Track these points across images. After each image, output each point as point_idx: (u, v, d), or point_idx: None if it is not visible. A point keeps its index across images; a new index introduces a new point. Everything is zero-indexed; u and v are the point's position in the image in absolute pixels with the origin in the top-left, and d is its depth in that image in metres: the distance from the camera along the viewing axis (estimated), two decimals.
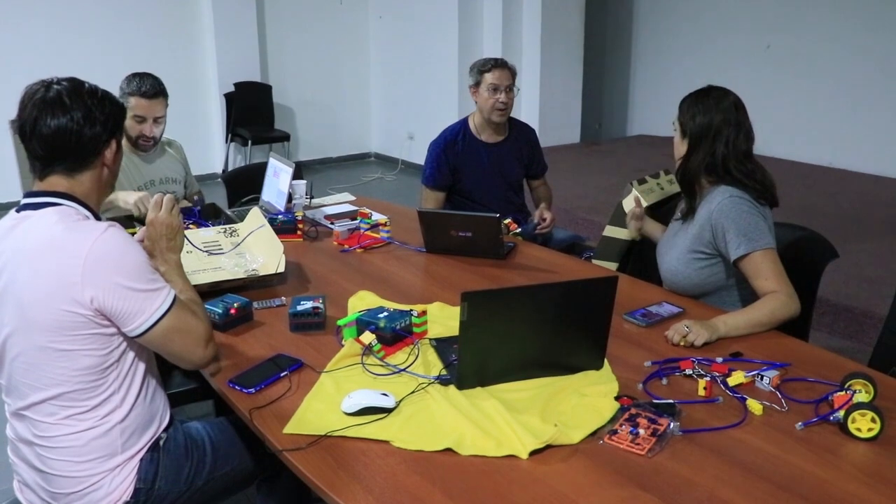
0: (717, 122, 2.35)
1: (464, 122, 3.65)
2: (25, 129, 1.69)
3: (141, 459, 1.77)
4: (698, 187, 2.42)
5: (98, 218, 1.76)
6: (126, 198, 2.94)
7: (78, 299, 1.61)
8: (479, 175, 3.58)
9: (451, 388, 1.80)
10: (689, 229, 2.43)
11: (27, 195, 1.73)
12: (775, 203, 2.39)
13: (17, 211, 1.73)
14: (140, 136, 3.15)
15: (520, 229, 3.16)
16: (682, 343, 2.05)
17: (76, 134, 1.69)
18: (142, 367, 1.79)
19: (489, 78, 3.47)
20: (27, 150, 1.72)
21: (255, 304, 2.29)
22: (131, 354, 1.75)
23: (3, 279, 1.67)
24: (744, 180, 2.34)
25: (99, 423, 1.70)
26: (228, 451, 1.93)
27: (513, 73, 3.53)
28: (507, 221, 3.05)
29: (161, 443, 1.83)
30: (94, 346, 1.66)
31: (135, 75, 3.12)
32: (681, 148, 2.43)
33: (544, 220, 3.46)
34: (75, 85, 1.72)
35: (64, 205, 1.70)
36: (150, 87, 3.10)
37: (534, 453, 1.56)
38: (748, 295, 2.32)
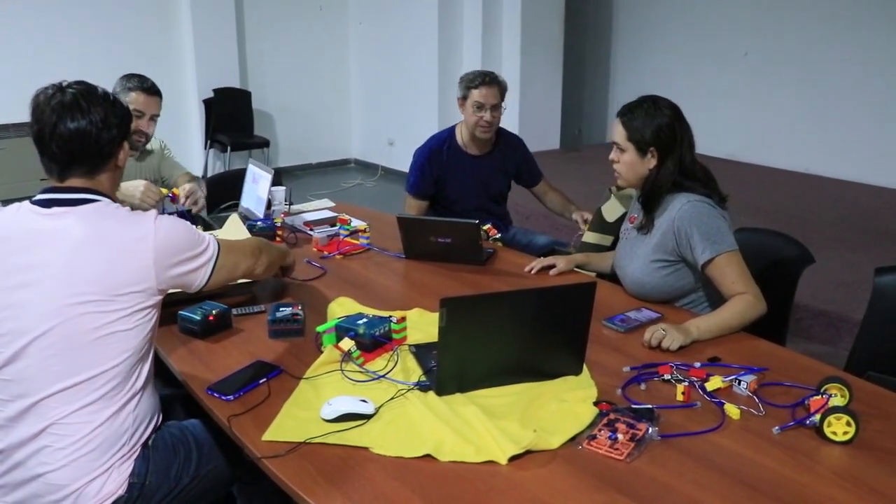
0: (677, 129, 2.36)
1: (451, 132, 3.60)
2: (44, 132, 1.71)
3: (136, 457, 1.77)
4: (660, 198, 2.41)
5: None
6: (131, 190, 2.92)
7: (149, 280, 1.72)
8: (462, 186, 3.55)
9: (431, 394, 1.80)
10: (649, 239, 2.43)
11: (50, 190, 1.75)
12: (725, 202, 2.40)
13: (44, 206, 1.72)
14: (135, 132, 3.16)
15: (499, 235, 3.17)
16: (657, 346, 2.06)
17: (95, 137, 1.73)
18: (152, 355, 1.85)
19: (475, 95, 3.40)
20: (43, 153, 1.75)
21: (233, 311, 2.28)
22: (151, 343, 1.83)
23: (49, 275, 1.66)
24: (702, 185, 2.37)
25: (121, 408, 1.73)
26: (211, 449, 1.93)
27: (501, 90, 3.44)
28: (486, 227, 3.06)
29: (150, 442, 1.83)
30: (141, 325, 1.74)
31: (133, 74, 3.19)
32: (641, 165, 2.38)
33: (586, 220, 3.38)
34: (89, 88, 1.77)
35: (102, 201, 1.76)
36: (152, 84, 3.18)
37: (513, 459, 1.56)
38: (716, 297, 2.34)
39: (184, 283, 1.84)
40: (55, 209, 1.72)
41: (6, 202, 3.46)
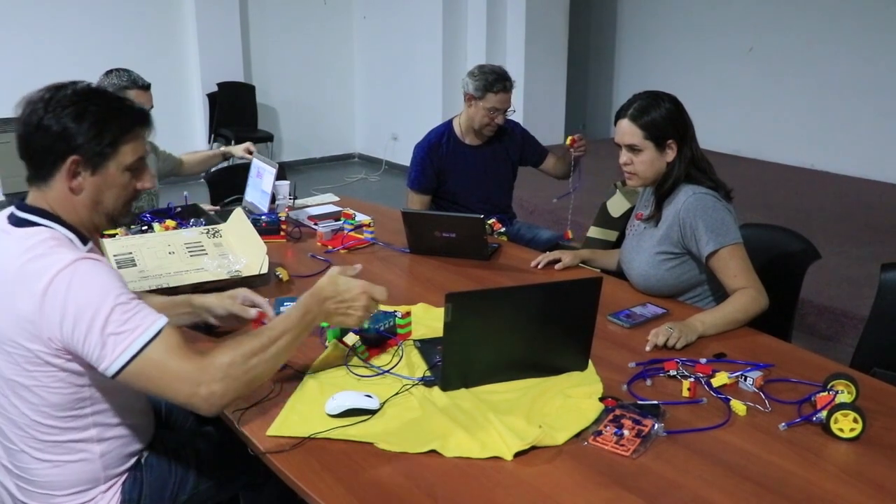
0: (688, 120, 2.36)
1: (448, 125, 3.60)
2: None
3: (124, 482, 1.73)
4: (675, 189, 2.41)
5: (85, 240, 1.64)
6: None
7: (38, 336, 1.48)
8: (464, 178, 3.55)
9: (436, 389, 1.80)
10: (655, 232, 2.43)
11: (19, 206, 1.63)
12: (729, 195, 2.39)
13: (9, 219, 1.61)
14: None
15: (504, 229, 3.16)
16: (662, 345, 2.05)
17: (25, 140, 1.56)
18: (125, 395, 1.69)
19: (493, 100, 3.36)
20: None
21: None
22: (111, 386, 1.60)
23: None
24: (709, 178, 2.36)
25: (77, 455, 1.64)
26: (212, 463, 1.88)
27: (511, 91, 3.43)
28: (491, 221, 3.05)
29: (143, 460, 1.78)
30: (58, 384, 1.54)
31: (120, 71, 3.20)
32: (660, 161, 2.36)
33: (575, 140, 3.36)
34: (55, 92, 1.56)
35: (44, 226, 1.57)
36: (143, 79, 3.22)
37: (518, 455, 1.56)
38: (721, 291, 2.34)
39: (86, 353, 1.48)
40: (7, 226, 1.60)
41: (11, 196, 3.47)
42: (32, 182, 1.61)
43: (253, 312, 2.01)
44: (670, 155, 2.35)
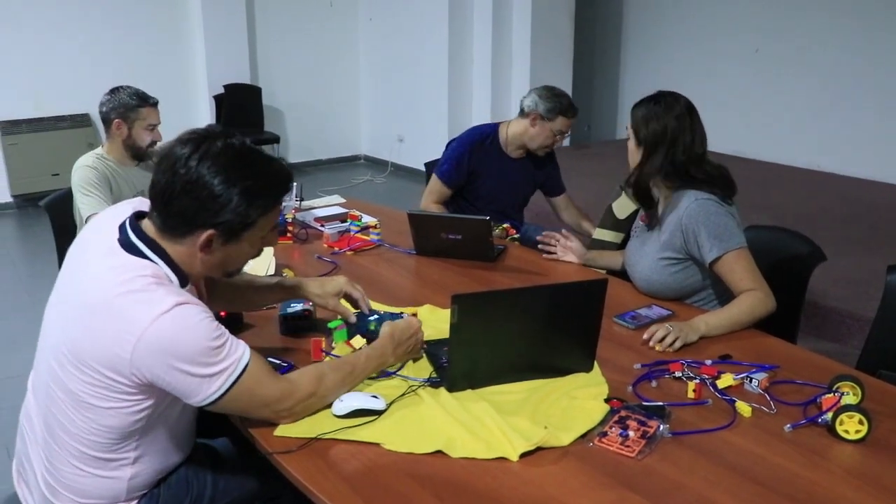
0: (672, 127, 2.34)
1: (494, 129, 3.54)
2: None
3: (140, 499, 1.72)
4: (659, 194, 2.43)
5: (185, 282, 1.61)
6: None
7: (123, 372, 1.49)
8: (492, 185, 3.51)
9: (442, 390, 1.81)
10: (658, 236, 2.43)
11: (135, 229, 1.59)
12: (731, 198, 2.39)
13: (120, 232, 1.58)
14: (153, 143, 3.25)
15: (517, 235, 3.15)
16: (659, 348, 2.05)
17: (166, 196, 1.53)
18: (176, 430, 1.71)
19: (562, 124, 3.33)
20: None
21: None
22: (159, 423, 1.65)
23: (64, 315, 1.58)
24: (708, 182, 2.36)
25: (109, 473, 1.64)
26: (229, 480, 1.86)
27: None
28: (505, 226, 3.05)
29: (163, 479, 1.77)
30: (122, 410, 1.55)
31: (127, 89, 3.22)
32: (636, 155, 2.41)
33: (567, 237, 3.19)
34: (206, 145, 1.53)
35: (151, 260, 1.55)
36: (151, 95, 3.23)
37: (524, 455, 1.56)
38: (726, 294, 2.34)
39: (177, 391, 1.53)
40: (117, 246, 1.56)
41: (19, 197, 3.48)
42: (159, 229, 1.58)
43: (352, 318, 2.09)
44: (642, 154, 2.40)
